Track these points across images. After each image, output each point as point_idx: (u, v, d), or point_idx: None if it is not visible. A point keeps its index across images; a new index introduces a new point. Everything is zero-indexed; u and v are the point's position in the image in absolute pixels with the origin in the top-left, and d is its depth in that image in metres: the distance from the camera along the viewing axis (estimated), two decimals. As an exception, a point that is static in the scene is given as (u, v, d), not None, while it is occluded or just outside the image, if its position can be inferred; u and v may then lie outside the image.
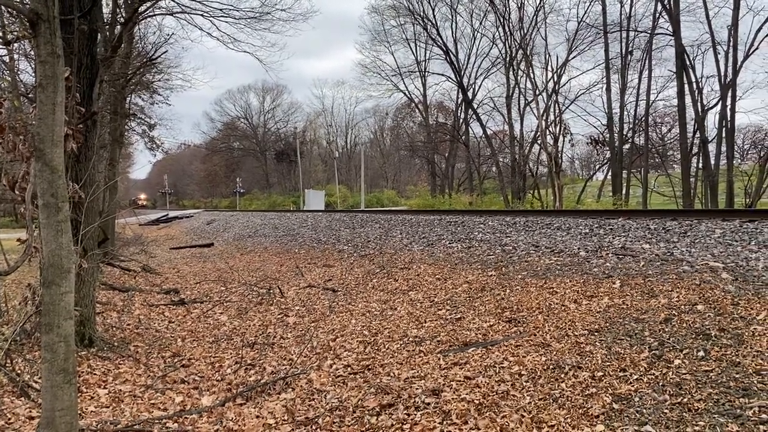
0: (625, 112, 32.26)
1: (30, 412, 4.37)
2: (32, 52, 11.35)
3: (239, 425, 4.32)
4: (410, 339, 6.13)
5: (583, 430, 3.59)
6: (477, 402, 4.17)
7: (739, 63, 24.32)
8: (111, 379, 5.45)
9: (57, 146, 2.93)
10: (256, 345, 6.78)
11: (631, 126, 32.72)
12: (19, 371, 5.05)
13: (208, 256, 17.04)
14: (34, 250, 4.92)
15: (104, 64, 7.19)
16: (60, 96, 2.94)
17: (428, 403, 4.27)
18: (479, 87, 43.87)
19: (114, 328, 7.38)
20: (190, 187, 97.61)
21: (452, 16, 42.03)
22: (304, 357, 6.06)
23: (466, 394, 4.35)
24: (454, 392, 4.42)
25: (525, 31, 33.77)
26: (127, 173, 56.31)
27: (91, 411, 4.60)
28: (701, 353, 4.32)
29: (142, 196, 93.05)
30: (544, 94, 30.74)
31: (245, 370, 5.84)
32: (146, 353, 6.49)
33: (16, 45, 12.38)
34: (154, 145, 28.23)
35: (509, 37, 35.65)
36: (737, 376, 3.86)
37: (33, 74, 13.46)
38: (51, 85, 2.90)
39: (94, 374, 5.50)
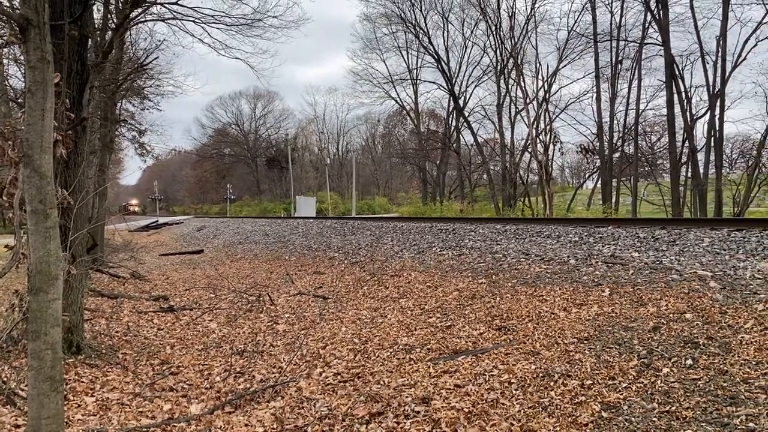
0: (615, 121, 32.53)
1: (16, 420, 4.32)
2: (22, 57, 11.30)
3: (228, 433, 4.30)
4: (400, 347, 6.13)
5: (572, 438, 3.60)
6: (466, 410, 4.17)
7: (727, 73, 24.61)
8: (98, 386, 5.40)
9: (46, 152, 2.91)
10: (246, 353, 6.74)
11: (620, 135, 32.98)
12: (5, 379, 4.99)
13: (198, 263, 16.95)
14: (22, 256, 4.88)
15: (95, 70, 7.16)
16: (49, 102, 2.93)
17: (418, 412, 4.27)
18: (470, 95, 44.17)
19: (102, 335, 7.32)
20: (181, 193, 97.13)
21: (444, 25, 42.36)
22: (294, 365, 6.04)
23: (456, 402, 4.35)
24: (443, 400, 4.42)
25: (516, 40, 34.01)
26: (117, 179, 56.03)
27: (78, 419, 4.55)
28: (689, 361, 4.34)
29: (134, 201, 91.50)
30: (535, 102, 30.94)
31: (234, 377, 5.81)
32: (134, 361, 6.44)
33: (5, 50, 12.33)
34: (145, 151, 28.11)
35: (500, 46, 35.91)
36: (725, 384, 3.88)
37: (22, 79, 13.40)
38: (40, 91, 2.89)
39: (82, 382, 5.45)
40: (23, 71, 11.60)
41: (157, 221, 47.18)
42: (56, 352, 2.96)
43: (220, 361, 6.49)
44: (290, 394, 5.07)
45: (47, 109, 2.92)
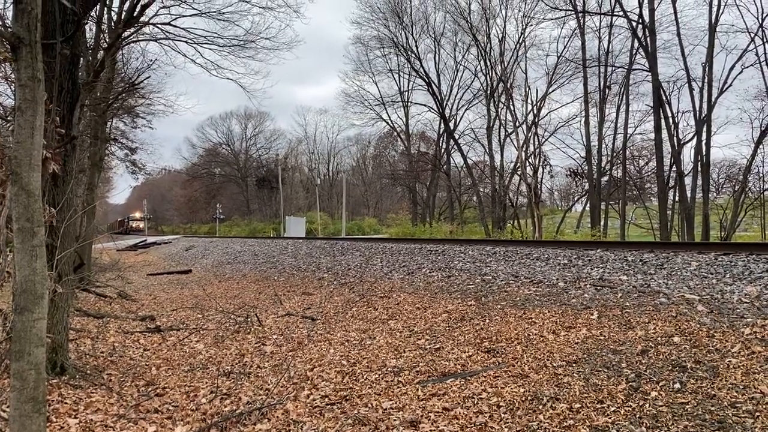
0: (603, 145, 32.91)
1: (-4, 442, 4.24)
2: (12, 75, 11.27)
3: (213, 457, 4.23)
4: (389, 369, 6.08)
5: (560, 462, 3.57)
6: (455, 434, 4.13)
7: (713, 99, 25.04)
8: (82, 408, 5.31)
9: (34, 170, 2.90)
10: (233, 374, 6.67)
11: (609, 158, 33.35)
12: (-14, 400, 4.91)
13: (186, 283, 16.83)
14: (7, 274, 4.82)
15: (86, 89, 7.16)
16: (39, 120, 2.92)
17: (406, 435, 4.23)
18: (461, 118, 44.53)
19: (87, 356, 7.22)
20: (170, 213, 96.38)
21: (435, 49, 42.87)
22: (281, 387, 5.97)
23: (445, 425, 4.31)
24: (432, 424, 4.38)
25: (506, 65, 34.50)
26: (106, 198, 55.68)
27: (60, 441, 4.47)
28: (677, 385, 4.34)
29: (137, 215, 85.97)
30: (524, 125, 31.24)
31: (220, 399, 5.74)
32: (120, 382, 6.35)
33: (-4, 67, 12.29)
34: (136, 169, 28.04)
35: (490, 70, 36.39)
36: (713, 408, 3.88)
37: (12, 96, 13.36)
38: (30, 109, 2.89)
39: (65, 403, 5.36)
40: (13, 89, 11.56)
41: (146, 240, 46.87)
42: (40, 373, 2.91)
43: (206, 382, 6.41)
44: (277, 417, 5.01)
45: (37, 127, 2.92)
